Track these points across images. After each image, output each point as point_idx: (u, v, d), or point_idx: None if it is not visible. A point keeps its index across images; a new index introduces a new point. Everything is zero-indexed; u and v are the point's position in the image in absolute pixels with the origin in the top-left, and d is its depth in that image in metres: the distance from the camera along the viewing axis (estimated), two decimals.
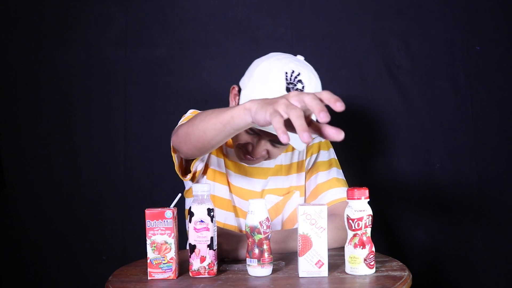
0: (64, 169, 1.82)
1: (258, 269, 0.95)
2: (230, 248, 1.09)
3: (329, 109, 0.74)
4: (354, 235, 0.96)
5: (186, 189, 1.38)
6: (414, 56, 1.78)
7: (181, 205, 1.38)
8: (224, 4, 1.82)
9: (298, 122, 0.72)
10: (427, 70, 1.78)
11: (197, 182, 1.32)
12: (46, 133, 1.83)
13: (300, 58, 1.26)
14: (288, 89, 1.16)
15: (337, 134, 0.74)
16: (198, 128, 0.98)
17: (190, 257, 0.96)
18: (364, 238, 0.96)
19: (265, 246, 0.95)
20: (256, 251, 0.95)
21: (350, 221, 0.96)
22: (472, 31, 1.77)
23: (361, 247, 0.95)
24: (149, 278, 0.96)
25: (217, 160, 1.33)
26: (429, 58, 1.78)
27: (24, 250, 1.83)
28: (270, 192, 1.35)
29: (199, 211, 0.95)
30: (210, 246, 0.95)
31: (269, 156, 1.27)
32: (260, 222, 0.94)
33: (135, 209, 1.73)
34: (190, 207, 0.96)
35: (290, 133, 0.75)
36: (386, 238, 1.78)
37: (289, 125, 0.75)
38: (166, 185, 1.78)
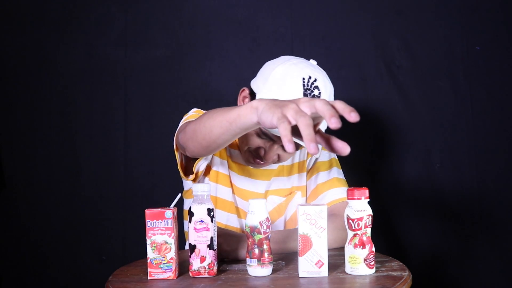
0: (64, 169, 1.82)
1: (258, 269, 0.95)
2: (230, 248, 1.09)
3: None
4: (354, 235, 0.96)
5: (185, 189, 1.37)
6: (414, 56, 1.78)
7: (180, 205, 1.38)
8: (224, 4, 1.82)
9: (307, 132, 0.69)
10: (427, 70, 1.78)
11: (198, 183, 1.32)
12: (46, 133, 1.83)
13: (313, 62, 1.25)
14: (305, 96, 1.14)
15: (344, 148, 0.72)
16: (205, 125, 0.96)
17: (190, 257, 0.96)
18: (364, 238, 0.96)
19: (265, 246, 0.95)
20: (256, 251, 0.95)
21: (350, 221, 0.96)
22: (472, 31, 1.77)
23: (361, 247, 0.95)
24: (149, 278, 0.96)
25: (220, 161, 1.32)
26: (429, 58, 1.78)
27: (24, 250, 1.83)
28: (273, 193, 1.34)
29: (199, 211, 0.95)
30: (210, 246, 0.95)
31: (279, 160, 1.27)
32: (260, 222, 0.94)
33: (135, 209, 1.72)
34: (190, 207, 0.96)
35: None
36: (386, 238, 1.78)
37: (295, 131, 0.72)
38: (166, 185, 1.78)
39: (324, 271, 0.94)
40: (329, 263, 0.95)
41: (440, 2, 1.78)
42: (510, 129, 1.76)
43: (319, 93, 1.16)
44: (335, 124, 0.69)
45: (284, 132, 0.70)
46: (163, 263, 0.96)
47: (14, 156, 1.84)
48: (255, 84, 1.25)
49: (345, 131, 0.76)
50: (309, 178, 1.37)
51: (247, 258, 0.97)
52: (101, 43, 1.83)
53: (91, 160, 1.82)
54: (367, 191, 0.96)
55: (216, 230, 0.98)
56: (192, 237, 0.95)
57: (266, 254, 0.95)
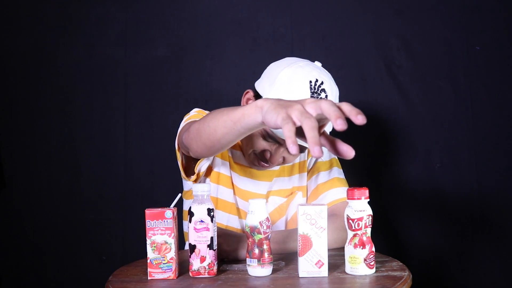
0: (64, 169, 1.83)
1: (258, 269, 0.95)
2: (230, 248, 1.09)
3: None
4: (354, 235, 0.96)
5: (185, 190, 1.36)
6: (414, 56, 1.78)
7: (180, 206, 1.38)
8: (224, 4, 1.82)
9: (311, 134, 0.67)
10: (427, 70, 1.78)
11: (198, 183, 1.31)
12: (46, 133, 1.83)
13: (318, 64, 1.24)
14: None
15: (349, 152, 0.70)
16: (209, 125, 0.94)
17: (190, 257, 0.96)
18: (364, 238, 0.96)
19: (265, 246, 0.95)
20: (256, 251, 0.95)
21: (350, 221, 0.96)
22: (472, 31, 1.77)
23: (361, 247, 0.95)
24: (149, 278, 0.96)
25: (221, 162, 1.31)
26: (429, 58, 1.78)
27: (24, 250, 1.83)
28: (274, 194, 1.34)
29: (199, 211, 0.95)
30: (210, 246, 0.95)
31: (284, 162, 1.27)
32: (260, 222, 0.94)
33: (135, 209, 1.73)
34: (190, 207, 0.96)
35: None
36: (386, 238, 1.78)
37: (299, 133, 0.71)
38: (166, 185, 1.78)
39: (324, 271, 0.94)
40: (329, 263, 0.95)
41: (440, 2, 1.78)
42: (510, 129, 1.76)
43: (326, 96, 1.16)
44: (341, 126, 0.67)
45: (288, 134, 0.69)
46: (163, 263, 0.96)
47: (14, 156, 1.84)
48: (260, 86, 1.23)
49: (345, 131, 0.75)
50: (309, 178, 1.37)
51: (247, 258, 0.96)
52: (101, 43, 1.83)
53: (91, 160, 1.82)
54: (367, 191, 0.96)
55: (216, 230, 0.97)
56: (192, 237, 0.95)
57: (266, 254, 0.95)
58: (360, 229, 0.95)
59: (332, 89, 1.18)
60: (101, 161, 1.82)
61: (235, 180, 1.32)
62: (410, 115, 1.78)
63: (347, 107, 0.71)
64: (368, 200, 0.96)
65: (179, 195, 1.02)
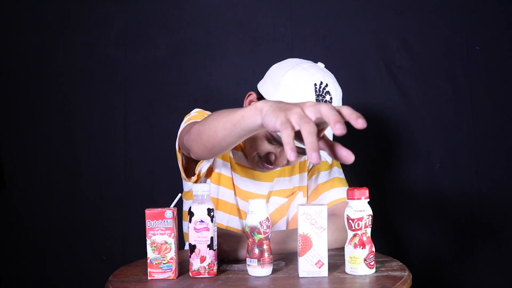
0: (64, 169, 1.82)
1: (258, 269, 0.95)
2: (230, 249, 1.09)
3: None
4: (354, 235, 0.96)
5: (185, 191, 1.36)
6: (414, 56, 1.78)
7: (180, 206, 1.38)
8: (224, 4, 1.82)
9: (309, 140, 0.66)
10: (427, 70, 1.78)
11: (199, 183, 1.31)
12: (46, 133, 1.83)
13: (321, 65, 1.24)
14: (317, 101, 1.13)
15: (348, 157, 0.69)
16: (209, 127, 0.94)
17: (190, 257, 0.96)
18: (364, 238, 0.96)
19: (265, 246, 0.95)
20: (256, 251, 0.95)
21: (350, 221, 0.96)
22: (472, 31, 1.77)
23: (361, 247, 0.95)
24: (149, 278, 0.96)
25: (222, 163, 1.31)
26: (429, 58, 1.78)
27: (24, 250, 1.83)
28: (275, 194, 1.34)
29: (199, 211, 0.95)
30: (210, 246, 0.95)
31: (287, 164, 1.26)
32: (260, 222, 0.94)
33: (135, 209, 1.73)
34: (190, 207, 0.96)
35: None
36: (386, 238, 1.78)
37: (298, 136, 0.70)
38: (166, 185, 1.78)
39: (324, 271, 0.94)
40: (329, 263, 0.95)
41: (440, 2, 1.78)
42: (510, 129, 1.76)
43: (331, 98, 1.15)
44: (340, 130, 0.66)
45: (286, 139, 0.67)
46: (163, 263, 0.96)
47: (14, 156, 1.84)
48: (264, 88, 1.22)
49: (346, 126, 0.75)
50: (309, 178, 1.37)
51: (247, 258, 0.96)
52: (101, 43, 1.83)
53: (91, 160, 1.82)
54: (367, 191, 0.96)
55: (216, 230, 0.97)
56: (192, 237, 0.95)
57: (266, 254, 0.95)
58: (360, 229, 0.95)
59: (336, 91, 1.18)
60: (101, 161, 1.82)
61: (236, 181, 1.32)
62: (410, 115, 1.78)
63: (347, 111, 0.70)
64: (368, 200, 0.96)
65: (179, 195, 1.02)
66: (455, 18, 1.78)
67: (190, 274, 0.97)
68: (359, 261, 0.95)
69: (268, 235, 0.96)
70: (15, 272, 1.83)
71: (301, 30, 1.80)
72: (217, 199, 1.29)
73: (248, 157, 1.29)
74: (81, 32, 1.83)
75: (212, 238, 0.95)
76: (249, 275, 0.97)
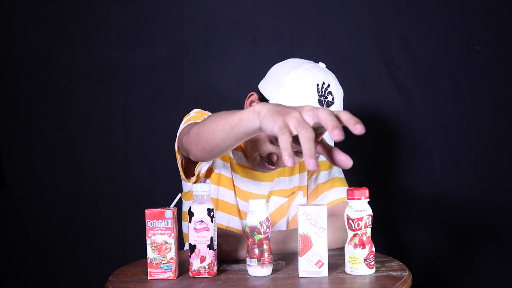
0: (64, 169, 1.83)
1: (258, 269, 0.95)
2: (229, 249, 1.08)
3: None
4: (354, 235, 0.96)
5: (185, 191, 1.36)
6: (414, 56, 1.78)
7: (179, 206, 1.38)
8: (224, 4, 1.82)
9: (307, 146, 0.65)
10: (427, 70, 1.78)
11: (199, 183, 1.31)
12: (46, 133, 1.83)
13: (322, 65, 1.24)
14: (320, 102, 1.14)
15: (346, 162, 0.69)
16: (208, 129, 0.93)
17: (190, 257, 0.96)
18: (364, 238, 0.96)
19: (265, 246, 0.95)
20: (256, 251, 0.95)
21: (350, 221, 0.96)
22: (472, 31, 1.77)
23: (361, 247, 0.95)
24: (149, 278, 0.96)
25: (222, 163, 1.31)
26: (429, 58, 1.78)
27: (24, 250, 1.83)
28: (276, 194, 1.34)
29: (199, 211, 0.95)
30: (210, 246, 0.95)
31: None
32: (260, 222, 0.94)
33: (135, 209, 1.73)
34: (190, 207, 0.96)
35: None
36: (386, 238, 1.78)
37: (296, 141, 0.69)
38: (166, 185, 1.78)
39: (324, 271, 0.94)
40: (329, 263, 0.95)
41: (440, 2, 1.78)
42: (510, 129, 1.76)
43: (333, 99, 1.16)
44: (338, 136, 0.65)
45: (284, 145, 0.67)
46: (163, 263, 0.96)
47: (14, 156, 1.84)
48: (265, 89, 1.22)
49: (345, 131, 0.75)
50: (309, 178, 1.36)
51: (247, 258, 0.96)
52: (101, 43, 1.83)
53: (91, 160, 1.82)
54: (367, 191, 0.96)
55: (216, 230, 0.97)
56: (192, 237, 0.95)
57: (266, 254, 0.95)
58: (360, 229, 0.95)
59: (338, 91, 1.18)
60: (101, 161, 1.82)
61: (236, 182, 1.32)
62: (410, 115, 1.78)
63: (345, 116, 0.69)
64: (368, 200, 0.96)
65: (179, 195, 1.02)
66: (455, 18, 1.78)
67: (190, 274, 0.97)
68: (359, 261, 0.95)
69: (268, 235, 0.96)
70: (15, 272, 1.83)
71: (301, 30, 1.80)
72: (217, 200, 1.29)
73: (249, 158, 1.28)
74: (81, 32, 1.84)
75: (212, 238, 0.95)
76: (249, 275, 0.97)
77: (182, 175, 1.25)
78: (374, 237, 0.98)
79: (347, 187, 1.23)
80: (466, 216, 1.76)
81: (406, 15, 1.79)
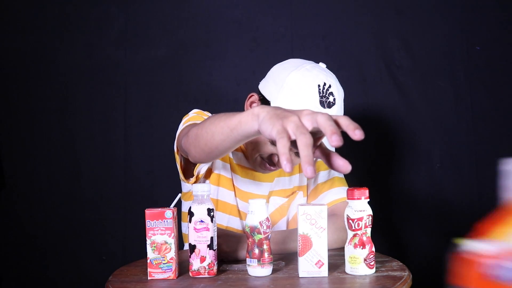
0: (64, 169, 1.83)
1: (258, 269, 0.95)
2: (229, 249, 1.08)
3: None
4: (354, 235, 0.96)
5: (184, 192, 1.36)
6: (414, 56, 1.78)
7: (179, 206, 1.38)
8: (224, 4, 1.82)
9: (305, 152, 0.65)
10: (427, 70, 1.78)
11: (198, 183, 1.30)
12: (46, 133, 1.83)
13: (323, 65, 1.24)
14: (321, 103, 1.14)
15: (345, 166, 0.68)
16: (207, 131, 0.93)
17: (190, 257, 0.96)
18: (364, 238, 0.96)
19: (265, 246, 0.95)
20: (256, 251, 0.95)
21: (350, 221, 0.96)
22: (472, 31, 1.77)
23: (361, 247, 0.95)
24: (149, 278, 0.96)
25: (222, 164, 1.30)
26: (429, 58, 1.78)
27: (24, 250, 1.83)
28: (276, 194, 1.34)
29: (199, 211, 0.95)
30: (210, 246, 0.95)
31: None
32: (260, 222, 0.94)
33: (135, 209, 1.73)
34: (190, 207, 0.96)
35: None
36: (386, 238, 1.78)
37: (295, 145, 0.68)
38: (166, 185, 1.78)
39: (324, 271, 0.94)
40: (329, 263, 0.95)
41: (440, 2, 1.78)
42: (510, 129, 1.76)
43: (334, 99, 1.16)
44: (336, 142, 0.65)
45: (282, 150, 0.66)
46: (163, 263, 0.96)
47: (14, 156, 1.84)
48: (266, 90, 1.22)
49: (343, 134, 0.75)
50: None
51: (247, 258, 0.96)
52: (101, 43, 1.83)
53: (91, 160, 1.82)
54: (367, 191, 0.96)
55: (216, 230, 0.98)
56: (192, 237, 0.95)
57: (266, 254, 0.95)
58: (360, 229, 0.95)
59: (339, 92, 1.18)
60: (101, 161, 1.82)
61: (236, 182, 1.31)
62: (410, 115, 1.78)
63: (344, 121, 0.68)
64: (368, 200, 0.96)
65: (179, 195, 1.02)
66: (455, 18, 1.78)
67: (190, 274, 0.97)
68: (359, 261, 0.95)
69: (268, 235, 0.96)
70: (15, 272, 1.83)
71: (301, 30, 1.80)
72: (217, 200, 1.29)
73: (249, 158, 1.28)
74: (81, 32, 1.83)
75: (212, 238, 0.95)
76: (249, 275, 0.97)
77: (182, 176, 1.25)
78: (374, 237, 0.98)
79: (347, 187, 1.23)
80: (466, 216, 1.75)
81: (406, 15, 1.79)
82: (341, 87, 1.21)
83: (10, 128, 1.84)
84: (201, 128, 0.96)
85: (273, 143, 1.19)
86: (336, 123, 0.68)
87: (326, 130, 0.66)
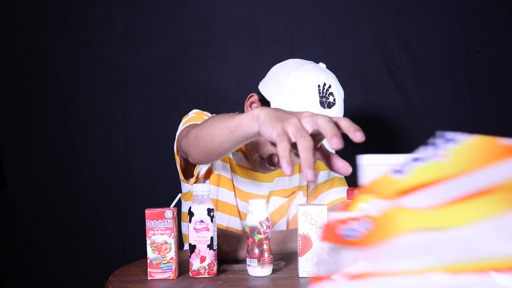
0: (64, 169, 1.83)
1: (258, 269, 0.95)
2: (229, 250, 1.08)
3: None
4: None
5: (184, 192, 1.35)
6: (414, 56, 1.78)
7: (179, 207, 1.38)
8: (224, 4, 1.82)
9: (305, 156, 0.64)
10: (427, 70, 1.78)
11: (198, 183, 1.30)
12: (46, 133, 1.83)
13: (323, 65, 1.23)
14: (321, 103, 1.14)
15: (345, 168, 0.67)
16: (207, 132, 0.92)
17: (190, 257, 0.96)
18: None
19: (265, 246, 0.95)
20: (256, 251, 0.95)
21: None
22: (472, 31, 1.77)
23: None
24: (149, 278, 0.96)
25: (222, 164, 1.30)
26: (429, 58, 1.78)
27: (24, 250, 1.83)
28: (276, 194, 1.34)
29: (199, 211, 0.95)
30: (210, 246, 0.95)
31: None
32: (260, 222, 0.94)
33: (135, 209, 1.72)
34: (190, 207, 0.96)
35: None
36: None
37: (295, 147, 0.67)
38: (166, 185, 1.78)
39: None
40: None
41: (440, 2, 1.78)
42: (510, 129, 1.76)
43: (334, 100, 1.15)
44: (337, 144, 0.64)
45: (282, 153, 0.65)
46: (163, 263, 0.96)
47: (14, 156, 1.84)
48: (266, 90, 1.21)
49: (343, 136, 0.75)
50: None
51: (247, 258, 0.96)
52: (101, 43, 1.83)
53: (91, 160, 1.82)
54: None
55: (216, 230, 0.98)
56: (192, 237, 0.95)
57: (266, 254, 0.95)
58: None
59: (339, 92, 1.18)
60: (101, 161, 1.82)
61: (236, 182, 1.31)
62: (410, 115, 1.78)
63: (345, 123, 0.67)
64: None
65: (179, 195, 1.02)
66: (455, 18, 1.78)
67: (190, 274, 0.97)
68: None
69: (268, 235, 0.96)
70: (15, 272, 1.83)
71: (301, 30, 1.80)
72: (217, 201, 1.29)
73: (249, 159, 1.28)
74: (81, 32, 1.84)
75: (212, 238, 0.95)
76: (249, 275, 0.97)
77: (181, 176, 1.25)
78: None
79: (347, 187, 1.23)
80: None
81: (406, 15, 1.79)
82: (341, 87, 1.21)
83: (10, 128, 1.84)
84: (201, 130, 0.96)
85: (273, 144, 1.19)
86: (337, 125, 0.67)
87: (327, 132, 0.66)
